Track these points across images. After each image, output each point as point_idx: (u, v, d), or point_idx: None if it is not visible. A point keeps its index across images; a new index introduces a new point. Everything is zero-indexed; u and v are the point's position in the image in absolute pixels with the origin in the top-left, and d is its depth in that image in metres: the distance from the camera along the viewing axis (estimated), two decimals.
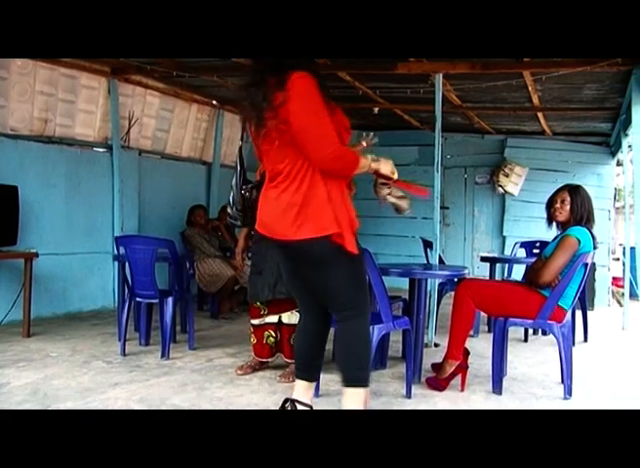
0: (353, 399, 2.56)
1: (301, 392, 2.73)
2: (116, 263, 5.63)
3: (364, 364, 2.62)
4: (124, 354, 4.36)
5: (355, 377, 2.58)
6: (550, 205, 3.79)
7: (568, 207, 3.68)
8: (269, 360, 3.98)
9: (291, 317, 3.79)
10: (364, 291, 2.65)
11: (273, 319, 3.85)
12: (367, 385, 2.60)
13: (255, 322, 3.91)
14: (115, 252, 5.03)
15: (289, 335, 3.83)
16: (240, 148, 2.78)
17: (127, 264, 4.53)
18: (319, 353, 2.80)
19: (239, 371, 3.91)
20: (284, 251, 2.60)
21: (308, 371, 2.76)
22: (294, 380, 3.71)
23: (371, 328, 3.17)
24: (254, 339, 3.95)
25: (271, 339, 3.90)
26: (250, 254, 4.13)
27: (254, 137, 2.59)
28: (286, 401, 2.71)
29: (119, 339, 4.52)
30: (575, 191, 3.72)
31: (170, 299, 4.38)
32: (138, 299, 4.53)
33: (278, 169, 2.47)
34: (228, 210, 2.93)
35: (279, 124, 2.37)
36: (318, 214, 2.41)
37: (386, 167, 2.65)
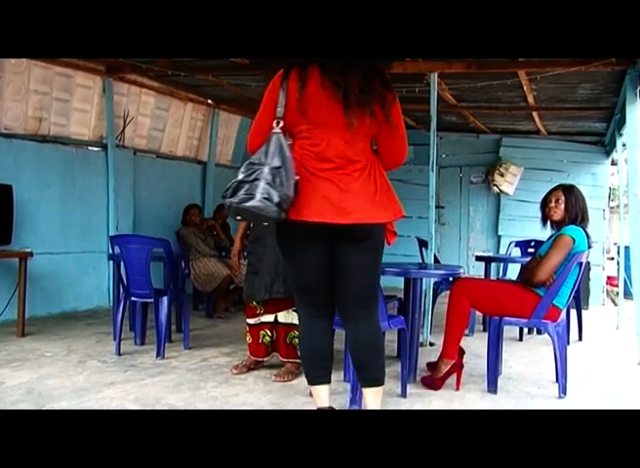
0: (379, 397, 2.61)
1: (328, 397, 2.68)
2: (111, 263, 5.62)
3: (384, 361, 2.68)
4: (119, 353, 4.35)
5: (382, 377, 2.63)
6: (545, 204, 3.80)
7: (562, 206, 3.69)
8: (265, 359, 3.98)
9: (287, 316, 3.79)
10: None
11: (269, 318, 3.85)
12: None
13: (250, 321, 3.91)
14: (110, 251, 5.03)
15: (285, 335, 3.83)
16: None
17: (122, 264, 4.52)
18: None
19: (234, 371, 3.91)
20: (342, 236, 2.50)
21: (329, 374, 2.70)
22: (289, 379, 3.74)
23: None
24: (249, 339, 3.95)
25: (267, 338, 3.90)
26: (246, 254, 4.13)
27: (323, 122, 2.45)
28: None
29: (114, 339, 4.52)
30: (569, 190, 3.74)
31: (165, 299, 4.38)
32: (133, 299, 4.52)
33: (354, 158, 2.46)
34: (283, 204, 2.33)
35: (379, 120, 2.47)
36: (394, 201, 2.57)
37: None
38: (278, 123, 2.41)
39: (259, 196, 2.27)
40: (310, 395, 3.37)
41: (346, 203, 2.41)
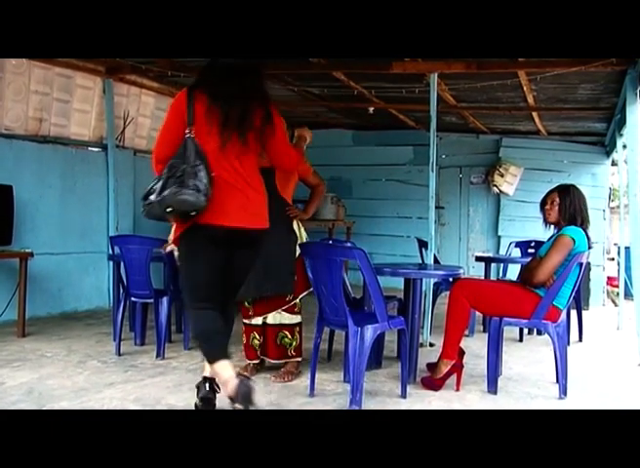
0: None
1: (233, 368, 2.74)
2: (111, 263, 5.62)
3: None
4: (119, 354, 4.35)
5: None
6: (543, 206, 3.81)
7: (557, 207, 3.70)
8: (255, 362, 3.94)
9: (276, 317, 3.77)
10: None
11: (258, 321, 3.82)
12: None
13: (246, 321, 3.89)
14: (110, 251, 5.02)
15: (275, 335, 3.79)
16: None
17: (122, 264, 4.52)
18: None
19: (246, 374, 3.82)
20: (242, 239, 2.82)
21: (227, 350, 2.83)
22: (289, 380, 3.74)
23: (366, 327, 3.19)
24: (244, 339, 3.93)
25: (255, 342, 3.85)
26: None
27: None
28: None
29: (114, 339, 4.52)
30: (564, 192, 3.74)
31: (165, 299, 4.37)
32: (133, 299, 4.52)
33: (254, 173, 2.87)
34: (208, 194, 2.67)
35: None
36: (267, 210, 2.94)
37: None
38: (190, 130, 2.69)
39: (189, 188, 2.58)
40: (310, 396, 3.39)
41: (246, 210, 2.79)
